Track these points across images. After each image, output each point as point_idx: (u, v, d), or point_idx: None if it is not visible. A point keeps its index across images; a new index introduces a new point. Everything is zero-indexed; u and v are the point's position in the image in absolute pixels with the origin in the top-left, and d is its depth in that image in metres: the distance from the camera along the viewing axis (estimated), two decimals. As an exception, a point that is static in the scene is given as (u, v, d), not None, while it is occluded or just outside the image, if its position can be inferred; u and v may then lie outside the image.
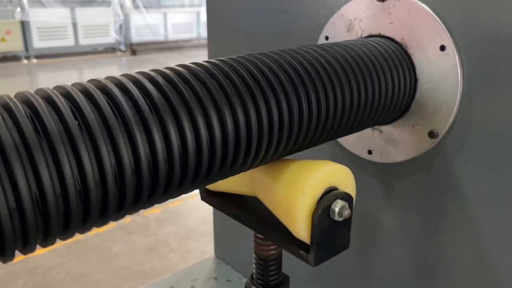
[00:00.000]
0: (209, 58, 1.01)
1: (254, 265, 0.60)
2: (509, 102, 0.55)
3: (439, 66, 0.60)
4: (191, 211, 3.00)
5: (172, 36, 9.95)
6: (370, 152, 0.71)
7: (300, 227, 0.48)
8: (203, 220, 2.89)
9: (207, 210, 3.22)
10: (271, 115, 0.44)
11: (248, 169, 0.47)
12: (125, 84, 0.38)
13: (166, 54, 9.35)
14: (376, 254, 0.77)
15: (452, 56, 0.58)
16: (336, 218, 0.47)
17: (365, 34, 0.67)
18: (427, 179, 0.66)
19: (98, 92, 0.36)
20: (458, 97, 0.59)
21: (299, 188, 0.48)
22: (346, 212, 0.48)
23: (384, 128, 0.68)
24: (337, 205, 0.47)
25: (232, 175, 0.46)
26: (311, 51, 0.53)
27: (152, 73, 0.42)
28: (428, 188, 0.66)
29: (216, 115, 0.40)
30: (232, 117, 0.41)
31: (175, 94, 0.39)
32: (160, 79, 0.40)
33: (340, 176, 0.50)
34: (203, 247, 2.58)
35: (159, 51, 9.62)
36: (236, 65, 0.45)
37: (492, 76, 0.56)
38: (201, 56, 9.05)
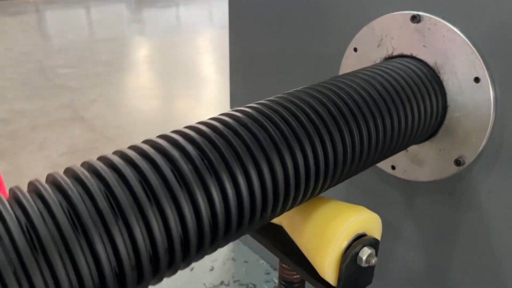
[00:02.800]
0: (230, 55, 0.99)
1: (278, 284, 0.63)
2: (540, 141, 0.55)
3: (472, 97, 0.59)
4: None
5: (181, -29, 9.55)
6: (393, 168, 0.71)
7: (328, 272, 0.50)
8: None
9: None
10: (307, 163, 0.45)
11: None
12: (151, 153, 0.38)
13: (175, -9, 9.04)
14: (392, 257, 0.80)
15: (486, 89, 0.57)
16: (363, 265, 0.49)
17: (396, 53, 0.65)
18: (449, 200, 0.67)
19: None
20: (489, 130, 0.59)
21: (330, 237, 0.49)
22: (373, 260, 0.49)
23: (409, 147, 0.68)
24: (365, 254, 0.49)
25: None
26: (342, 86, 0.52)
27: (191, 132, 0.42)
28: (449, 209, 0.67)
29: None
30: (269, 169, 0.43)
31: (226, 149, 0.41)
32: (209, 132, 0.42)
33: (369, 223, 0.52)
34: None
35: (168, -12, 9.29)
36: (266, 114, 0.45)
37: (526, 112, 0.56)
38: (211, -5, 8.73)
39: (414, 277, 0.77)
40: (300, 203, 0.49)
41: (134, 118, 3.31)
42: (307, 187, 0.46)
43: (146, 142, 0.41)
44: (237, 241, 1.18)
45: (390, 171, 0.72)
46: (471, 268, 0.68)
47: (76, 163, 0.39)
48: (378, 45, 0.67)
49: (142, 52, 5.32)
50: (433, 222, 0.71)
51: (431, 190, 0.69)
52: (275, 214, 0.46)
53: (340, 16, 0.74)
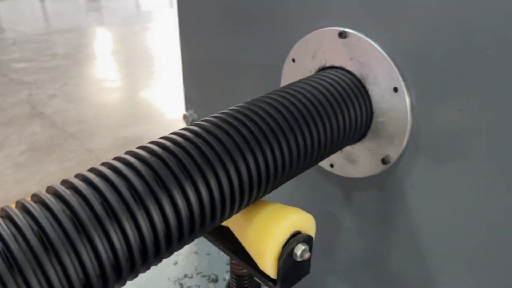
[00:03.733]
0: (182, 62, 1.04)
1: (230, 278, 0.70)
2: (451, 145, 0.64)
3: (392, 105, 0.66)
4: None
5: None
6: (332, 166, 0.79)
7: (268, 267, 0.57)
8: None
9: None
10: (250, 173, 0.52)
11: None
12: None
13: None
14: (336, 245, 0.88)
15: (403, 98, 0.65)
16: (298, 259, 0.57)
17: (328, 64, 0.72)
18: (379, 194, 0.75)
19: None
20: (408, 134, 0.67)
21: (268, 236, 0.56)
22: (307, 255, 0.57)
23: (344, 148, 0.75)
24: (299, 249, 0.57)
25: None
26: (279, 100, 0.59)
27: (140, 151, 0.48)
28: (380, 202, 0.76)
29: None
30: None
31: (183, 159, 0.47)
32: (147, 156, 0.47)
33: (304, 222, 0.59)
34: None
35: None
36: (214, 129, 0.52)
37: (439, 118, 0.64)
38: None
39: (355, 261, 0.86)
40: (241, 210, 0.56)
41: (96, 112, 3.29)
42: (242, 201, 0.53)
43: (91, 170, 0.46)
44: (199, 234, 1.24)
45: (329, 169, 0.80)
46: (401, 253, 0.77)
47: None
48: (313, 57, 0.74)
49: (101, 42, 5.23)
50: (368, 213, 0.79)
51: (364, 185, 0.77)
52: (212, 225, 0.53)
53: (279, 29, 0.80)
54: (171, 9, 6.73)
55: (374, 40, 0.66)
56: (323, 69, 0.73)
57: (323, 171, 0.81)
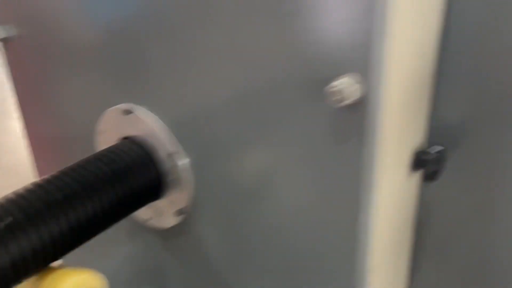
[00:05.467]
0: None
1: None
2: (226, 193, 0.78)
3: (176, 165, 0.80)
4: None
5: None
6: (147, 219, 0.90)
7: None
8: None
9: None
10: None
11: None
12: None
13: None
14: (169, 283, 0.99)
15: (183, 159, 0.79)
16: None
17: (122, 136, 0.84)
18: (189, 237, 0.88)
19: None
20: (193, 187, 0.80)
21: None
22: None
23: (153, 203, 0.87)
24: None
25: None
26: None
27: None
28: (191, 243, 0.88)
29: None
30: None
31: None
32: None
33: (90, 281, 0.68)
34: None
35: None
36: None
37: (215, 173, 0.78)
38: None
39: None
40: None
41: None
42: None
43: None
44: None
45: (145, 222, 0.91)
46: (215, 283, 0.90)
47: None
48: (111, 130, 0.86)
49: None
50: (186, 255, 0.92)
51: (176, 232, 0.89)
52: None
53: (86, 106, 0.91)
54: None
55: (155, 113, 0.79)
56: (123, 139, 0.85)
57: (141, 224, 0.93)
